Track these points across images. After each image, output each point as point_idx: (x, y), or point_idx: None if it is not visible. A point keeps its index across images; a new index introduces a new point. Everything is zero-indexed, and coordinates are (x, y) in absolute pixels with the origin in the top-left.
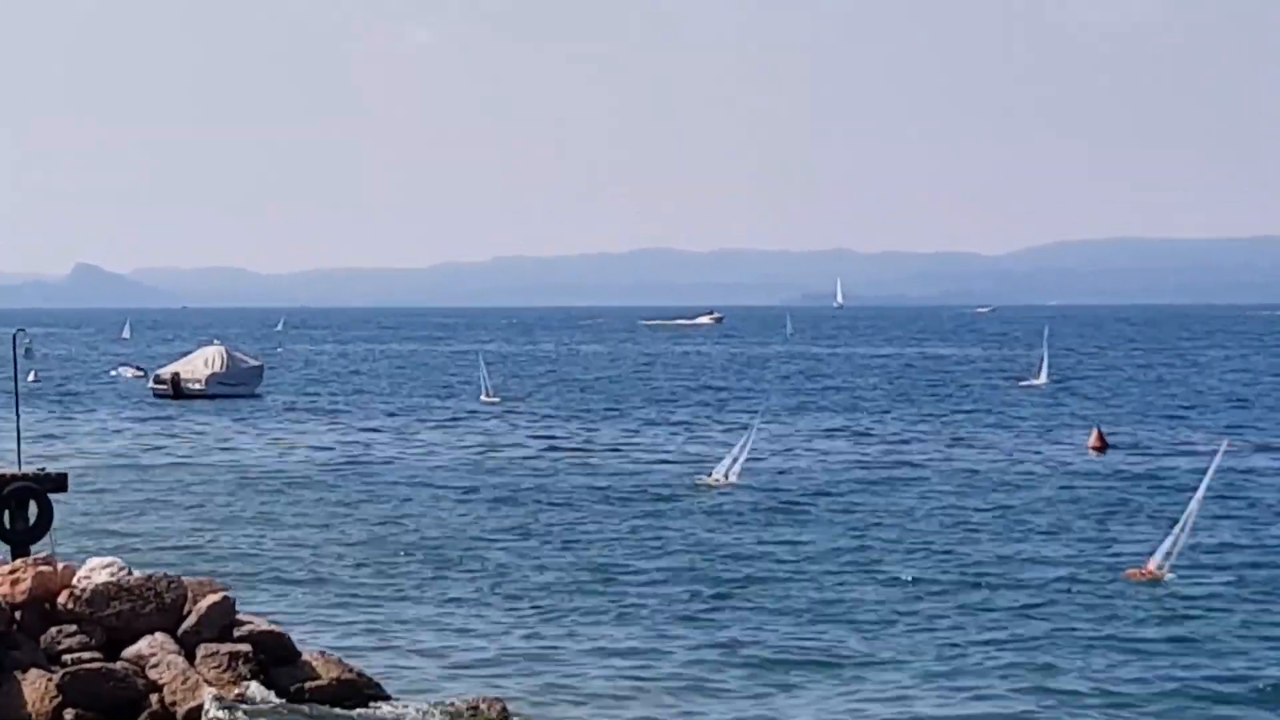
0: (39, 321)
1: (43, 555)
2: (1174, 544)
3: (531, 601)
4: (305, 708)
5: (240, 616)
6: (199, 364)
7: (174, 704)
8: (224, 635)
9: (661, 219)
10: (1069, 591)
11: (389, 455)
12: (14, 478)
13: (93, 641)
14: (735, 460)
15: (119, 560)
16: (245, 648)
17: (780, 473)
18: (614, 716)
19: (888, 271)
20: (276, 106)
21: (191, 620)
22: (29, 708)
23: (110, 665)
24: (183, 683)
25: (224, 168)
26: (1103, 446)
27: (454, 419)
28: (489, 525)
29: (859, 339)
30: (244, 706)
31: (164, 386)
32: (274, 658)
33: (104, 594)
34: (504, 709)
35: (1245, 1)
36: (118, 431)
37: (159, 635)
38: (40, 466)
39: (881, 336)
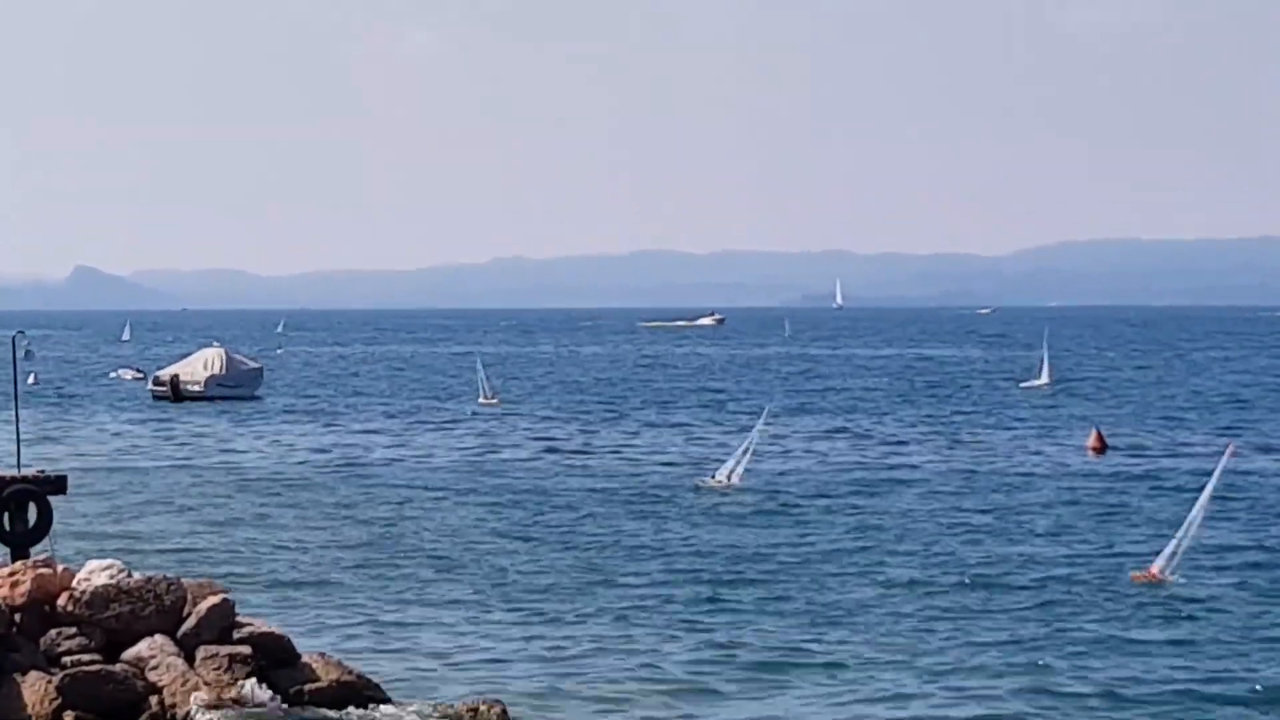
0: (38, 324)
1: (42, 557)
2: (1177, 546)
3: (531, 603)
4: (301, 710)
5: (240, 618)
6: (198, 366)
7: (173, 706)
8: (223, 637)
9: (661, 220)
10: (1072, 593)
11: (388, 457)
12: (13, 480)
13: (92, 644)
14: (738, 462)
15: (118, 562)
16: (245, 650)
17: (781, 474)
18: (615, 718)
19: (887, 273)
20: (276, 107)
21: (191, 622)
22: (29, 710)
23: (110, 667)
24: (182, 685)
25: (223, 169)
26: (1102, 448)
27: (452, 421)
28: (488, 527)
29: (859, 340)
30: (229, 711)
31: (163, 389)
32: (274, 660)
33: (103, 596)
34: (504, 711)
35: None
36: (117, 434)
37: (158, 637)
38: (40, 469)
39: (881, 338)
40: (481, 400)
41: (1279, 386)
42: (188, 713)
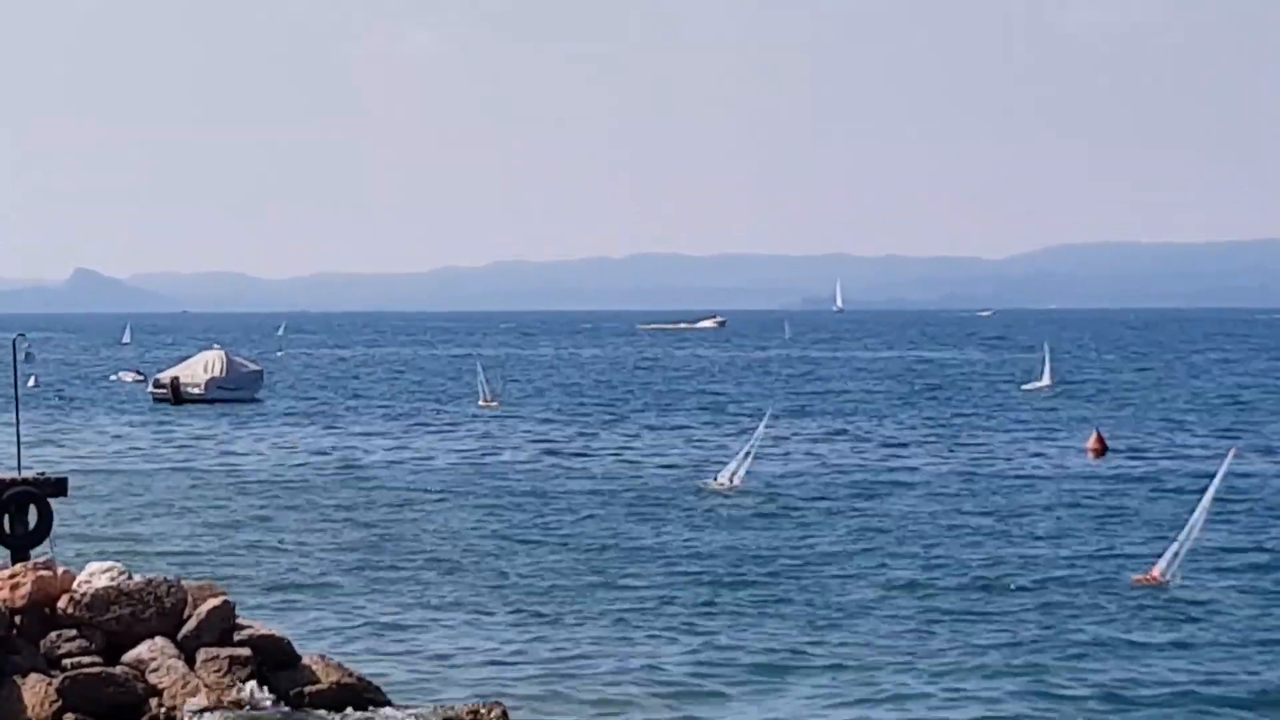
0: (38, 326)
1: (42, 560)
2: (1179, 549)
3: (532, 605)
4: (301, 712)
5: (240, 621)
6: (198, 369)
7: (174, 708)
8: (224, 639)
9: (661, 223)
10: (1073, 596)
11: (388, 460)
12: (14, 482)
13: (92, 646)
14: (740, 464)
15: (119, 565)
16: (245, 652)
17: (783, 476)
18: None
19: (888, 275)
20: (275, 107)
21: (191, 624)
22: (29, 712)
23: (110, 669)
24: (182, 687)
25: (223, 170)
26: (1102, 449)
27: (452, 424)
28: (489, 529)
29: (859, 343)
30: (227, 713)
31: (163, 391)
32: (274, 662)
33: (104, 598)
34: (504, 713)
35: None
36: (117, 436)
37: (159, 640)
38: (40, 471)
39: (882, 340)
40: (481, 403)
41: (1279, 389)
42: (187, 716)
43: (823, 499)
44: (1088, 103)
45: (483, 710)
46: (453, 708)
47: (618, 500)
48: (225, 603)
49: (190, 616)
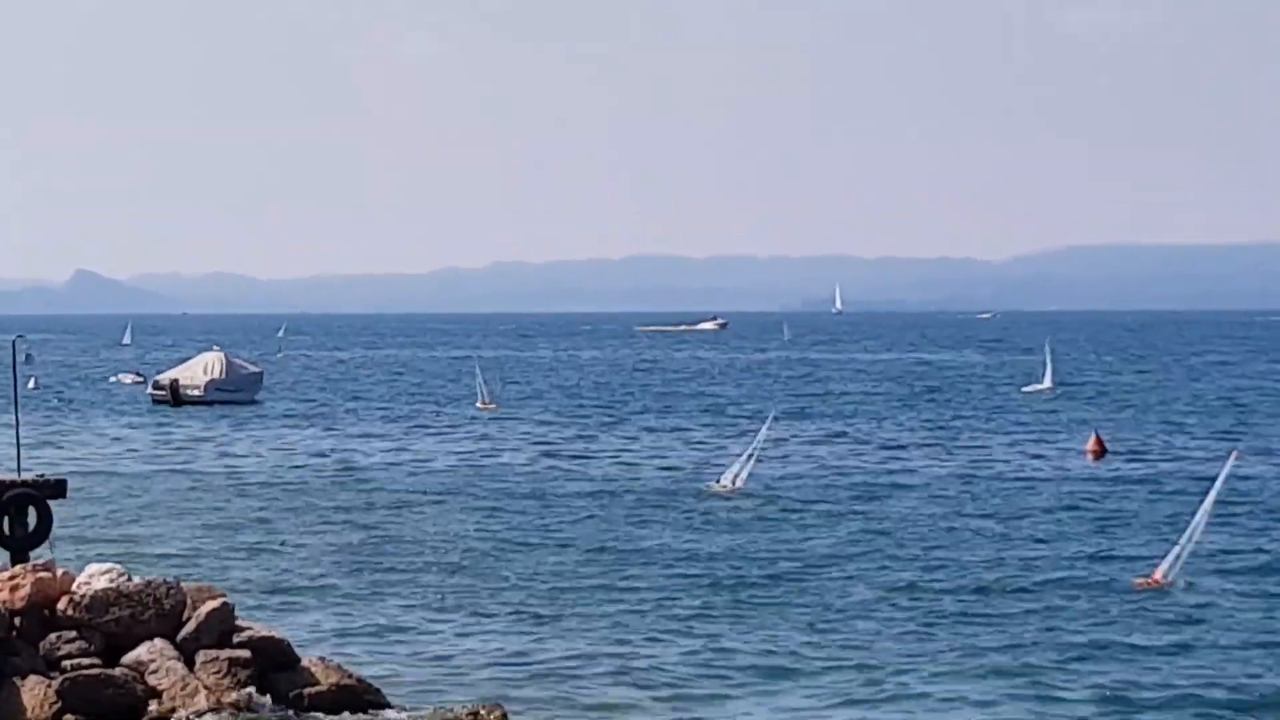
0: (38, 328)
1: (42, 561)
2: (1180, 552)
3: (532, 607)
4: (299, 716)
5: (240, 622)
6: (198, 370)
7: (173, 710)
8: (223, 641)
9: (660, 224)
10: (1075, 599)
11: (387, 462)
12: (13, 484)
13: (92, 647)
14: (743, 466)
15: (118, 566)
16: (245, 654)
17: (784, 479)
18: None
19: (887, 277)
20: (275, 108)
21: (191, 626)
22: (29, 714)
23: (109, 671)
24: (182, 689)
25: (223, 171)
26: (1101, 452)
27: (451, 426)
28: (488, 532)
29: (858, 345)
30: (227, 714)
31: (163, 393)
32: (273, 664)
33: (103, 600)
34: (504, 715)
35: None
36: (117, 438)
37: (158, 641)
38: (39, 473)
39: (881, 342)
40: (480, 405)
41: (1278, 391)
42: (186, 718)
43: (824, 501)
44: (1087, 104)
45: (482, 712)
46: (453, 709)
47: (617, 502)
48: (224, 604)
49: (189, 618)
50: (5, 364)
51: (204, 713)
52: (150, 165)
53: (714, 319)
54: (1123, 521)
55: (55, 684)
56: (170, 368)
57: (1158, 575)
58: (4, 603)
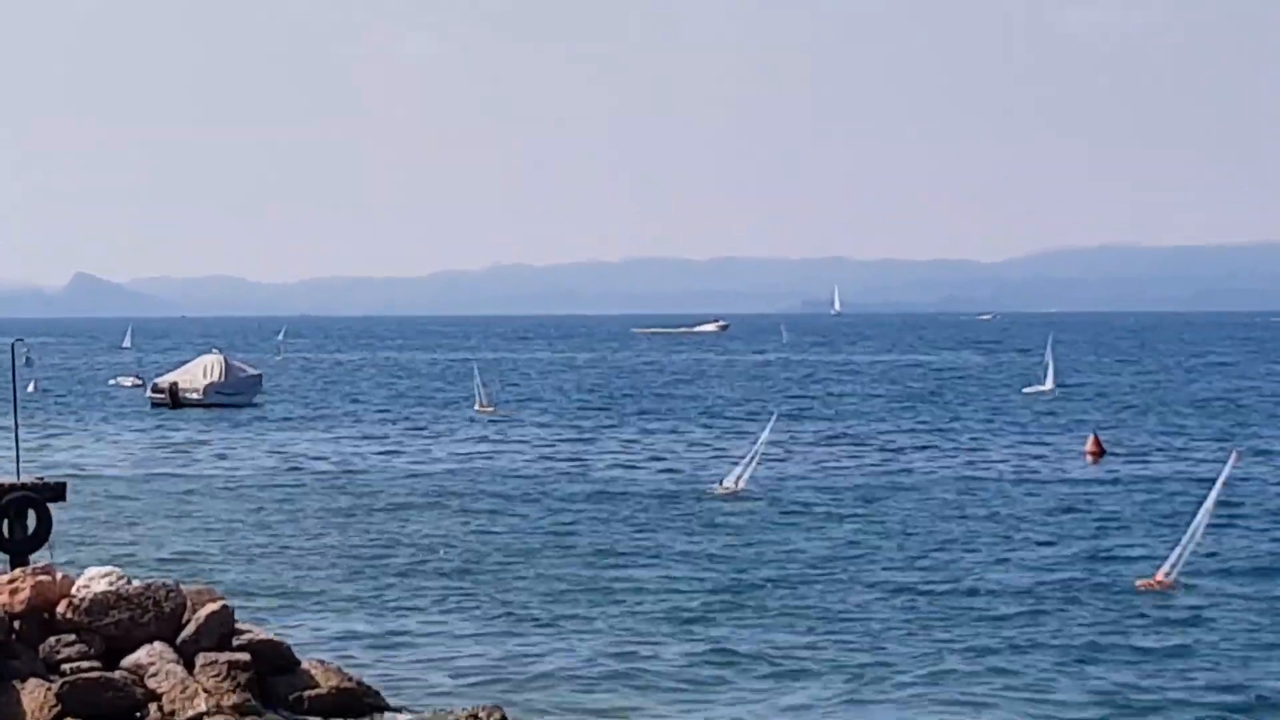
0: (37, 331)
1: (41, 564)
2: (1182, 553)
3: (531, 610)
4: (301, 718)
5: (239, 625)
6: (197, 373)
7: (173, 713)
8: (223, 644)
9: (660, 226)
10: (1076, 600)
11: (386, 465)
12: (13, 487)
13: (91, 651)
14: (745, 468)
15: (117, 569)
16: (244, 656)
17: (784, 480)
18: None
19: (886, 278)
20: (275, 108)
21: (190, 629)
22: (28, 717)
23: (109, 674)
24: (181, 691)
25: (222, 172)
26: (1099, 453)
27: (450, 428)
28: (487, 534)
29: (857, 347)
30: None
31: (162, 396)
32: (273, 667)
33: (103, 603)
34: (503, 717)
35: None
36: (116, 441)
37: (158, 644)
38: (39, 476)
39: (880, 344)
40: (478, 407)
41: (1278, 392)
42: (199, 715)
43: (825, 503)
44: (1087, 104)
45: (482, 715)
46: (452, 712)
47: (618, 505)
48: (224, 607)
49: (189, 621)
50: (4, 367)
51: (204, 715)
52: (149, 166)
53: (715, 321)
54: (1122, 523)
55: (55, 687)
56: (169, 370)
57: (1159, 576)
58: (3, 606)
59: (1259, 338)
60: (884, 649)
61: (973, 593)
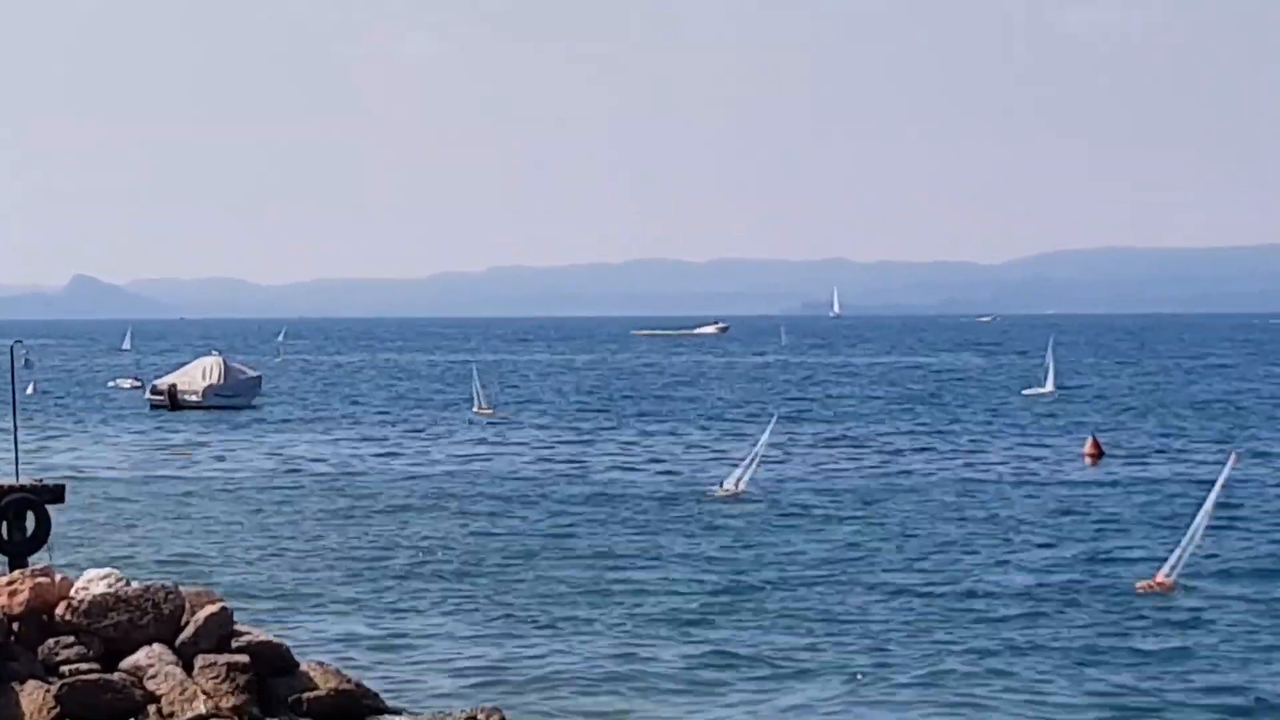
0: (37, 333)
1: (40, 566)
2: (1182, 555)
3: (530, 612)
4: None
5: (238, 627)
6: (196, 375)
7: (171, 715)
8: (222, 646)
9: (659, 227)
10: (1076, 603)
11: (385, 466)
12: (12, 489)
13: (90, 652)
14: (745, 470)
15: (116, 571)
16: (243, 658)
17: (784, 482)
18: None
19: (885, 281)
20: (275, 109)
21: (189, 631)
22: (27, 719)
23: (108, 676)
24: (180, 693)
25: (221, 173)
26: (1098, 454)
27: (449, 430)
28: (487, 536)
29: (856, 349)
30: None
31: (161, 398)
32: (272, 668)
33: (101, 605)
34: (502, 719)
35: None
36: (115, 443)
37: (157, 646)
38: (38, 477)
39: (879, 345)
40: (477, 410)
41: (1277, 394)
42: (198, 717)
43: (825, 505)
44: (1087, 105)
45: (481, 716)
46: (452, 714)
47: (617, 507)
48: (223, 609)
49: (188, 623)
50: (4, 369)
51: (203, 717)
52: (149, 166)
53: (715, 323)
54: (1121, 525)
55: (54, 689)
56: (167, 372)
57: (1159, 577)
58: (2, 608)
59: (1258, 339)
60: (884, 651)
61: (972, 595)
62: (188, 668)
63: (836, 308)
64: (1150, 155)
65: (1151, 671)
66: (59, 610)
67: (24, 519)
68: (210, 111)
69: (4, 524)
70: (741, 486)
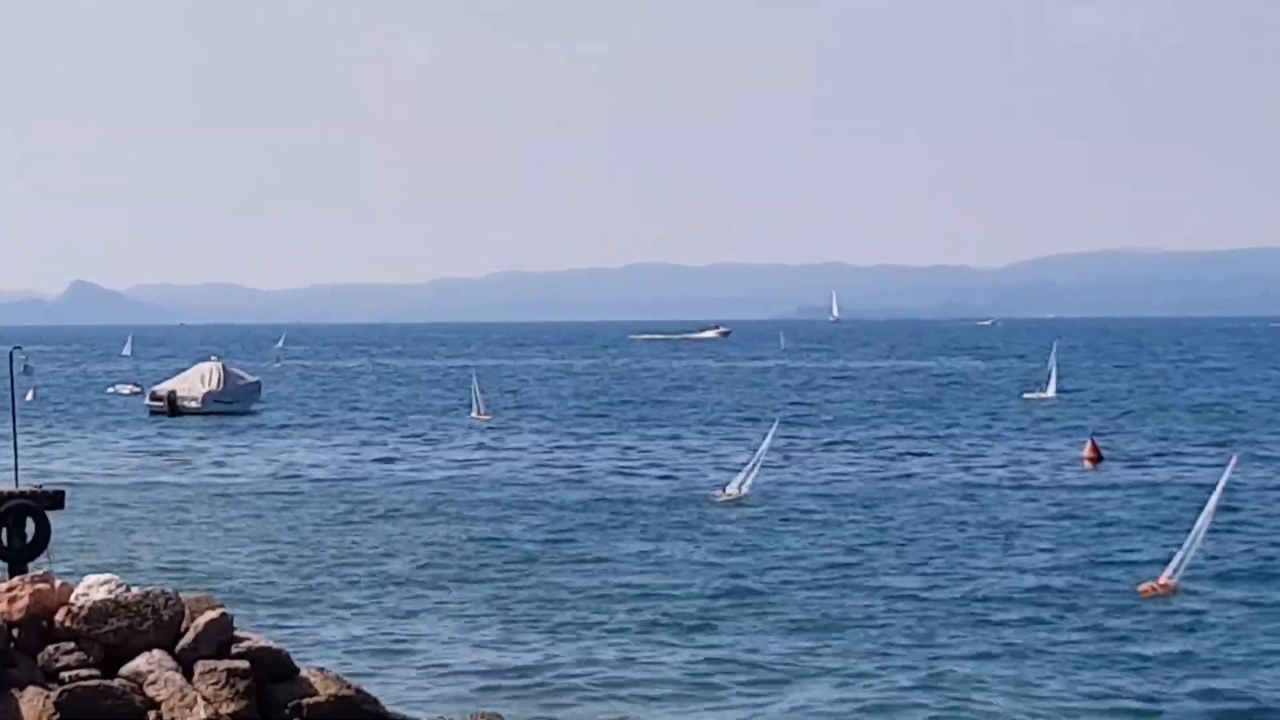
0: (36, 339)
1: (40, 572)
2: (1184, 558)
3: (529, 617)
4: None
5: (238, 633)
6: (195, 381)
7: None
8: (221, 652)
9: (658, 231)
10: (1077, 606)
11: (384, 472)
12: (11, 495)
13: (90, 659)
14: (748, 475)
15: (116, 577)
16: (243, 664)
17: (785, 486)
18: None
19: (884, 285)
20: (274, 109)
21: (189, 637)
22: None
23: (108, 682)
24: (180, 699)
25: (221, 178)
26: (1097, 458)
27: (447, 436)
28: (486, 542)
29: (856, 353)
30: None
31: (160, 404)
32: (272, 674)
33: (101, 611)
34: None
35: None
36: (114, 448)
37: (156, 652)
38: (37, 483)
39: (879, 350)
40: (475, 415)
41: (1277, 396)
42: None
43: (826, 509)
44: (1087, 107)
45: None
46: (451, 719)
47: (618, 512)
48: (223, 615)
49: (188, 629)
50: (3, 375)
51: None
52: (147, 167)
53: (716, 327)
54: (1121, 528)
55: (54, 695)
56: (167, 378)
57: (1162, 580)
58: (2, 614)
59: (1257, 343)
60: (885, 655)
61: (973, 598)
62: (188, 674)
63: (835, 312)
64: (1151, 157)
65: (1154, 674)
66: (59, 616)
67: (24, 525)
68: (209, 112)
69: (4, 530)
70: (744, 491)
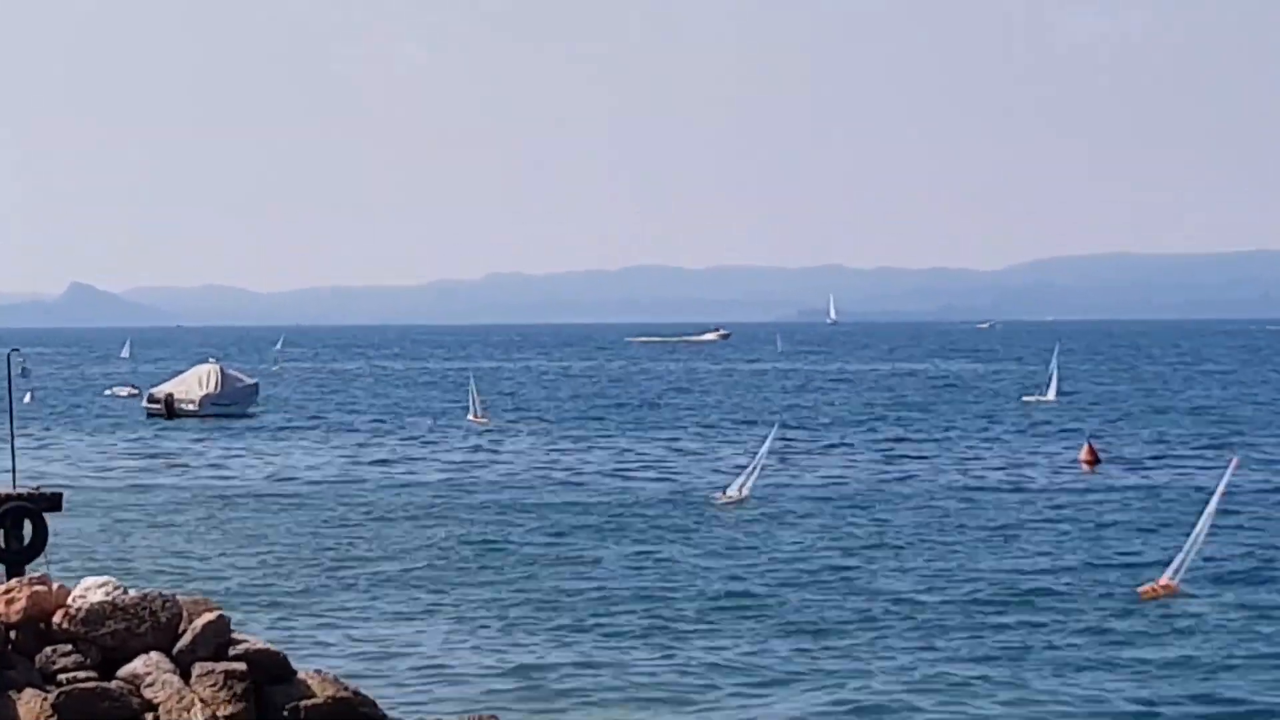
0: (34, 341)
1: (37, 575)
2: (1183, 560)
3: (527, 619)
4: None
5: (235, 635)
6: (193, 383)
7: None
8: (219, 654)
9: (657, 234)
10: (1076, 609)
11: (381, 474)
12: (8, 497)
13: (88, 661)
14: (748, 477)
15: (114, 579)
16: (240, 666)
17: (784, 489)
18: None
19: (882, 287)
20: (274, 110)
21: (186, 639)
22: None
23: (105, 684)
24: (178, 702)
25: (220, 175)
26: (1094, 461)
27: (445, 438)
28: (483, 544)
29: (854, 355)
30: None
31: (158, 406)
32: (269, 676)
33: (99, 613)
34: None
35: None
36: (112, 451)
37: (154, 654)
38: (35, 485)
39: (877, 352)
40: (472, 417)
41: (1276, 398)
42: None
43: (825, 512)
44: (1087, 108)
45: None
46: None
47: (614, 514)
48: (220, 617)
49: (185, 631)
50: (1, 377)
51: None
52: (147, 168)
53: (716, 330)
54: (1119, 531)
55: (51, 697)
56: (165, 380)
57: (1162, 582)
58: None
59: (1255, 345)
60: (884, 657)
61: (972, 601)
62: (185, 676)
63: (833, 314)
64: (1151, 158)
65: (1153, 677)
66: (56, 618)
67: (21, 527)
68: (209, 113)
69: (1, 532)
70: (745, 494)
